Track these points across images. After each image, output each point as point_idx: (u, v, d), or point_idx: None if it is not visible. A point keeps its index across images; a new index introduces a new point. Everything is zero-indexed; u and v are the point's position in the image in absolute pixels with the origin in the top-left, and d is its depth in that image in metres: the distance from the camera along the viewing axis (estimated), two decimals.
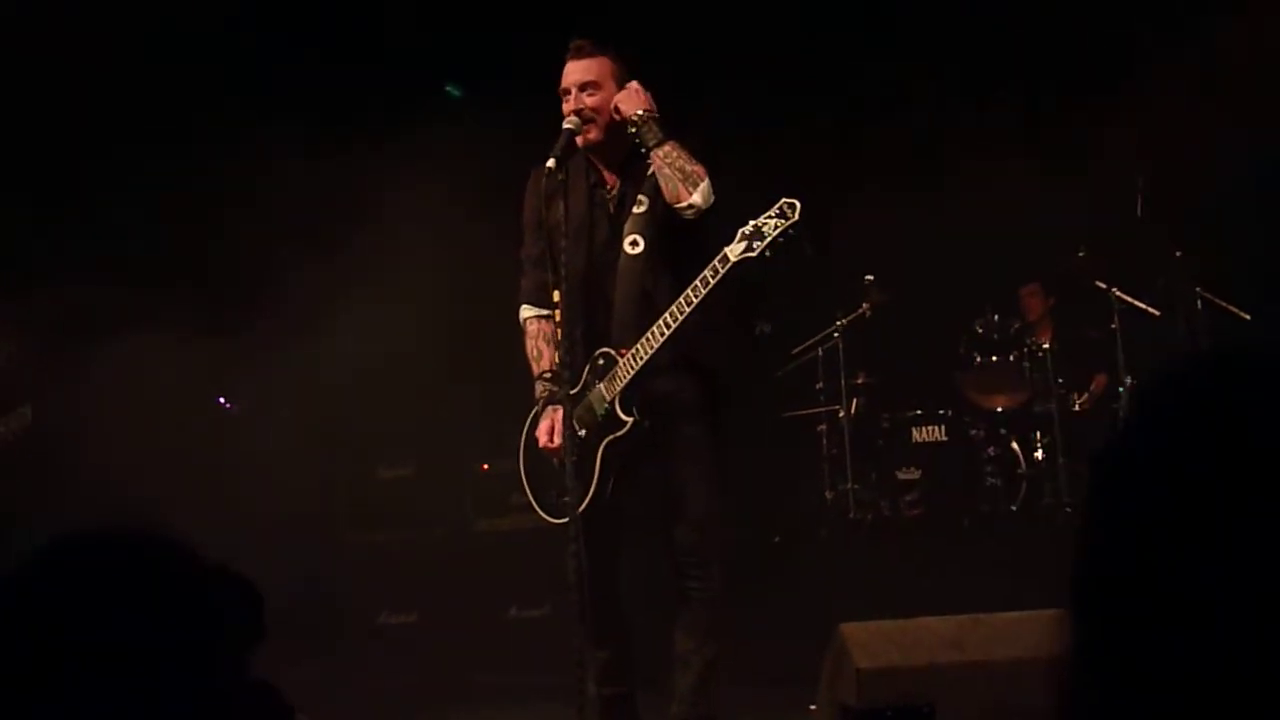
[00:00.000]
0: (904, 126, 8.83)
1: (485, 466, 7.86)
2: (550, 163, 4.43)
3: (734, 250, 4.28)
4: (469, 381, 7.34)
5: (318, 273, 7.34)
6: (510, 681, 6.66)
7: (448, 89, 8.85)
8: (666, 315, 4.37)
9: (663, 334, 4.36)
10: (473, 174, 6.91)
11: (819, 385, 8.84)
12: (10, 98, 7.43)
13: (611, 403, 4.46)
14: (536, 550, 5.80)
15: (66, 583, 1.43)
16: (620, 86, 4.56)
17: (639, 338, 4.43)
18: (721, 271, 4.29)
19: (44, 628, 1.39)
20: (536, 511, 4.72)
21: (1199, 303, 7.94)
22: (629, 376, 4.43)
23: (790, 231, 4.24)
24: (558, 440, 4.45)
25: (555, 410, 4.52)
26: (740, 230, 4.27)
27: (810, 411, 8.94)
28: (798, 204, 4.24)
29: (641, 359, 4.40)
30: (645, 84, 4.57)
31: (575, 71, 4.59)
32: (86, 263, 7.18)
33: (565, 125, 4.51)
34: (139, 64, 7.73)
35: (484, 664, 6.94)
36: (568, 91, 4.58)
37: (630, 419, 4.44)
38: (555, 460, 4.53)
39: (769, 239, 4.24)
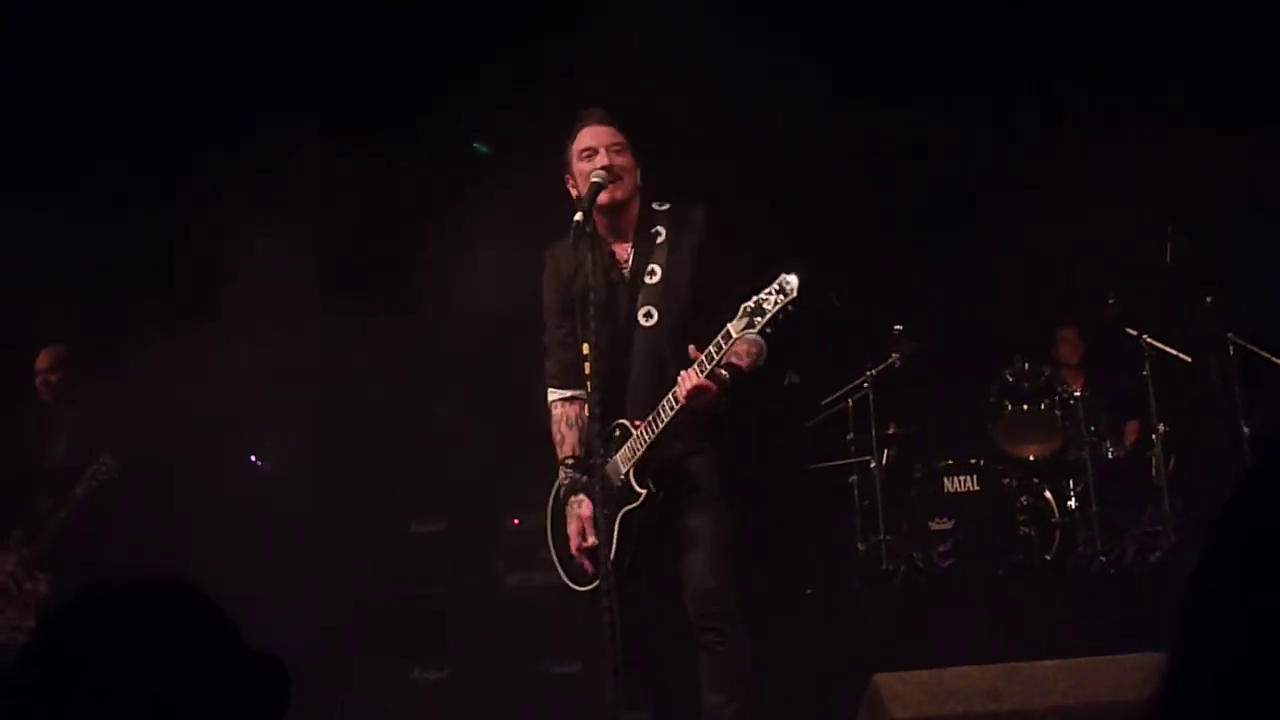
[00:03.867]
0: (931, 175, 8.83)
1: (516, 521, 7.83)
2: (578, 216, 4.46)
3: (736, 326, 4.27)
4: (501, 436, 7.33)
5: (349, 324, 7.35)
6: None
7: (474, 145, 8.89)
8: (676, 389, 4.38)
9: (672, 408, 4.39)
10: (510, 230, 6.94)
11: (850, 436, 8.80)
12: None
13: (626, 475, 4.48)
14: (568, 606, 5.78)
15: (107, 628, 1.43)
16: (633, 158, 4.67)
17: (651, 409, 4.45)
18: (725, 347, 4.30)
19: (76, 669, 1.39)
20: (564, 581, 4.76)
21: (1230, 348, 7.88)
22: (642, 449, 4.45)
23: (790, 308, 4.23)
24: (590, 540, 4.50)
25: (581, 505, 4.55)
26: (742, 305, 4.28)
27: (841, 463, 8.90)
28: (794, 280, 4.23)
29: (654, 431, 4.43)
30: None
31: (602, 133, 4.64)
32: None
33: (592, 179, 4.55)
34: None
35: None
36: (592, 151, 4.61)
37: (645, 491, 4.46)
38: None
39: (769, 315, 4.24)
